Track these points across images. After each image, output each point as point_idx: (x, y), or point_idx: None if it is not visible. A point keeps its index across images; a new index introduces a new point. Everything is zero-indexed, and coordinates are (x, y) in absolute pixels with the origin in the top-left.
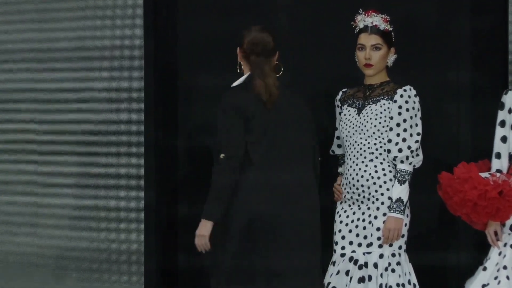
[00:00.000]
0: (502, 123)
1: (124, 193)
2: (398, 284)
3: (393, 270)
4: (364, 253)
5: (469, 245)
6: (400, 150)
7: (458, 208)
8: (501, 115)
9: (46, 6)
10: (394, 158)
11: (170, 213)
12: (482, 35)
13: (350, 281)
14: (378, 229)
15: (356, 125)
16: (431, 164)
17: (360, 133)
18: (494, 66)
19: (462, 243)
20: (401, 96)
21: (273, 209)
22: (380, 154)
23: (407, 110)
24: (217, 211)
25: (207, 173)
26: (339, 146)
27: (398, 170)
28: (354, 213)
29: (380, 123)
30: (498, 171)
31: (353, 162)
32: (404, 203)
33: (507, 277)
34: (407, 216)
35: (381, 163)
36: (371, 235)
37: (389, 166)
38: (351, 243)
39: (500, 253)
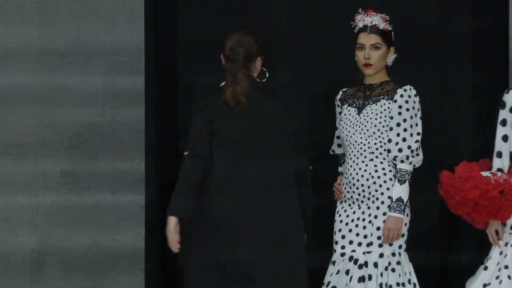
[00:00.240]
0: (503, 122)
1: (125, 192)
2: (398, 284)
3: (393, 270)
4: (364, 253)
5: (470, 245)
6: (400, 150)
7: (459, 207)
8: (502, 114)
9: (47, 7)
10: (394, 158)
11: None
12: (482, 35)
13: (350, 280)
14: (378, 228)
15: (356, 125)
16: (431, 164)
17: (360, 133)
18: (494, 66)
19: (463, 243)
20: (401, 95)
21: (233, 210)
22: (380, 153)
23: (407, 109)
24: (179, 207)
25: None
26: (339, 145)
27: (398, 169)
28: (354, 212)
29: (380, 122)
30: (499, 170)
31: (353, 161)
32: (404, 202)
33: (509, 277)
34: (407, 215)
35: (381, 163)
36: (371, 234)
37: (389, 165)
38: (351, 242)
39: (501, 253)
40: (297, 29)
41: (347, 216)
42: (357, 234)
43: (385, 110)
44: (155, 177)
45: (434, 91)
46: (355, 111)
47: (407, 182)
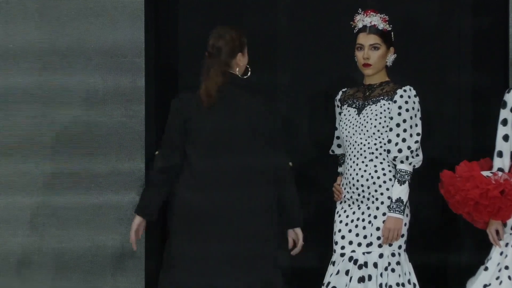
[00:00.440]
0: (504, 122)
1: (125, 193)
2: (398, 284)
3: (393, 270)
4: (363, 253)
5: (470, 245)
6: (400, 151)
7: (460, 206)
8: (503, 113)
9: (47, 6)
10: (394, 159)
11: None
12: (482, 35)
13: (350, 281)
14: (377, 228)
15: (356, 125)
16: (431, 164)
17: (360, 133)
18: (495, 66)
19: (463, 243)
20: (401, 96)
21: (204, 205)
22: (380, 154)
23: (407, 110)
24: (144, 206)
25: None
26: (338, 146)
27: (398, 170)
28: (353, 213)
29: (380, 123)
30: (500, 169)
31: (353, 162)
32: (404, 203)
33: (509, 277)
34: (407, 215)
35: (381, 163)
36: (371, 234)
37: (389, 166)
38: (350, 242)
39: (501, 253)
40: (297, 29)
41: (347, 216)
42: (357, 235)
43: (384, 110)
44: None
45: (434, 91)
46: (355, 111)
47: (406, 182)
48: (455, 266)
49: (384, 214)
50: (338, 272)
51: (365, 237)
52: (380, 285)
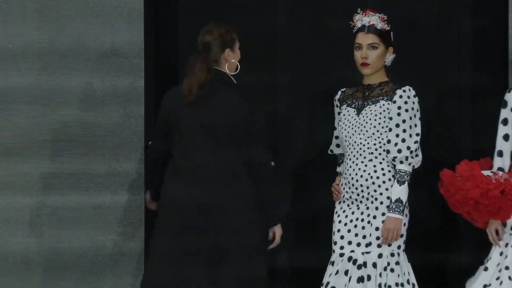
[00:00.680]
0: (505, 121)
1: (125, 193)
2: (397, 284)
3: (392, 270)
4: (363, 253)
5: (470, 245)
6: (399, 151)
7: (460, 206)
8: (504, 113)
9: (47, 6)
10: (394, 159)
11: None
12: (482, 35)
13: (349, 281)
14: (377, 228)
15: (355, 126)
16: (431, 164)
17: (359, 134)
18: (494, 66)
19: (463, 243)
20: (400, 96)
21: (183, 200)
22: (380, 154)
23: (406, 110)
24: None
25: None
26: (337, 145)
27: (397, 170)
28: (353, 213)
29: (379, 123)
30: (500, 169)
31: (353, 162)
32: (403, 203)
33: (509, 278)
34: (406, 216)
35: (380, 163)
36: (370, 234)
37: (388, 166)
38: (350, 243)
39: (501, 254)
40: (297, 29)
41: (346, 216)
42: (356, 235)
43: (384, 111)
44: None
45: (434, 91)
46: (354, 111)
47: (406, 183)
48: (455, 266)
49: (383, 214)
50: (337, 272)
51: (364, 237)
52: (379, 285)
